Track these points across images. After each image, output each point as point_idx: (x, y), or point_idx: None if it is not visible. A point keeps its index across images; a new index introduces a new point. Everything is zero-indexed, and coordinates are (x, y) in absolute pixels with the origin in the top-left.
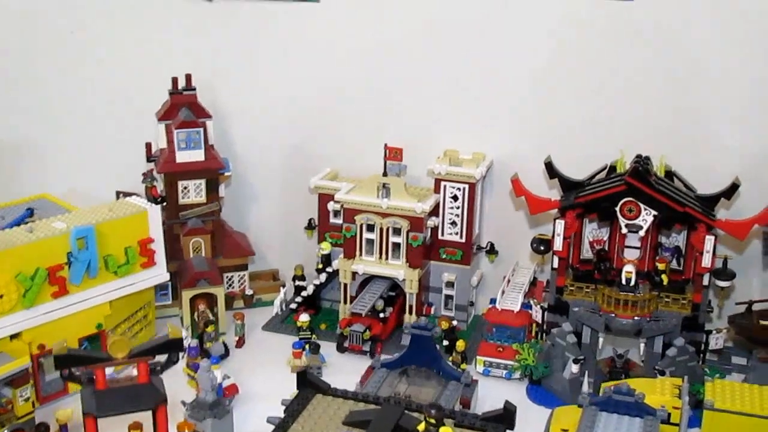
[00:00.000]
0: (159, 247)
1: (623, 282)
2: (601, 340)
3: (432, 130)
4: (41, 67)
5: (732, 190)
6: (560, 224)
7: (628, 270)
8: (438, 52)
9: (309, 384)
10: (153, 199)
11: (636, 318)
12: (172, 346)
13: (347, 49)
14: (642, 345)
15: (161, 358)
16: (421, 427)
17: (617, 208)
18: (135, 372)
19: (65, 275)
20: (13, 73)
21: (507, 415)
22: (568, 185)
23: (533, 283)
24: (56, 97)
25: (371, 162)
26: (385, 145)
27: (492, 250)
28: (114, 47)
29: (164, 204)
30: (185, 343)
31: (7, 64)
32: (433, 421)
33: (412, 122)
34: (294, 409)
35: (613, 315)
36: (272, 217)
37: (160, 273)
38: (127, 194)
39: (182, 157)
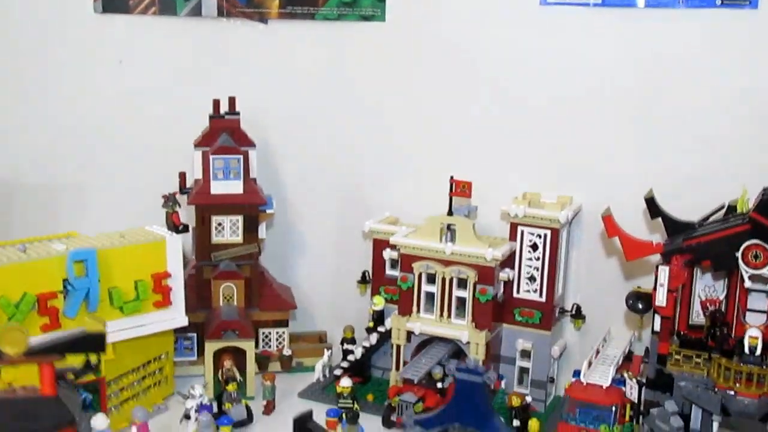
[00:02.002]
0: (177, 285)
1: (746, 351)
2: (715, 425)
3: (508, 174)
4: (87, 98)
5: None
6: (664, 271)
7: (753, 335)
8: (514, 84)
9: None
10: (174, 227)
11: (763, 397)
12: (90, 343)
13: (413, 78)
14: None
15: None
16: None
17: (738, 254)
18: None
19: (58, 306)
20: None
21: None
22: (675, 227)
23: (628, 357)
24: (96, 134)
25: (437, 210)
26: (451, 177)
27: (578, 315)
28: (156, 76)
29: (185, 232)
30: (195, 402)
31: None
32: None
33: (484, 164)
34: None
35: (731, 393)
36: (322, 271)
37: (176, 316)
38: (173, 196)
39: (218, 188)
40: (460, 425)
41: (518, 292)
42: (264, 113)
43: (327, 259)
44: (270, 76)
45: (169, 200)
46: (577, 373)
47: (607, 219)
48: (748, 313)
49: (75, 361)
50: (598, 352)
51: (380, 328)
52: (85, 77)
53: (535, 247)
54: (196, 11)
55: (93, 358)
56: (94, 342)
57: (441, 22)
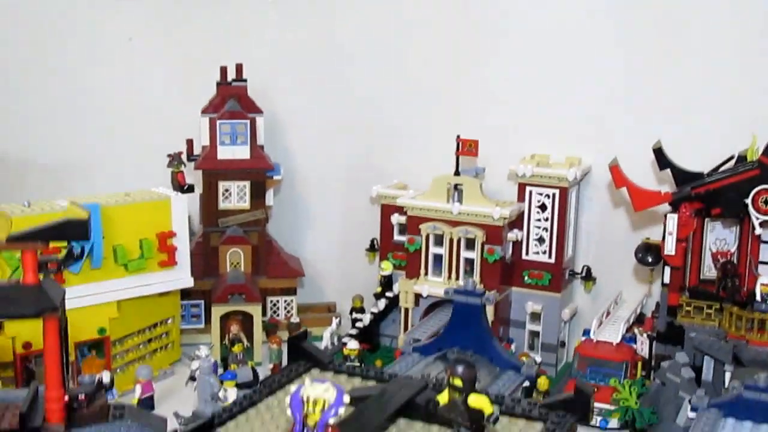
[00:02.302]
0: (183, 245)
1: (758, 299)
2: (728, 375)
3: (516, 134)
4: (95, 76)
5: None
6: (672, 219)
7: (765, 283)
8: (520, 44)
9: (303, 354)
10: (179, 186)
11: None
12: (73, 230)
13: (421, 43)
14: None
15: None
16: (444, 397)
17: (748, 200)
18: None
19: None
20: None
21: (579, 399)
22: (684, 177)
23: (639, 319)
24: (106, 110)
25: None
26: (458, 137)
27: (588, 276)
28: (166, 51)
29: (190, 192)
30: (199, 363)
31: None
32: (459, 383)
33: (492, 125)
34: (279, 381)
35: (744, 342)
36: (330, 241)
37: (182, 277)
38: (178, 156)
39: (225, 153)
40: (459, 349)
41: (527, 254)
42: (273, 83)
43: (335, 228)
44: (279, 46)
45: (174, 159)
46: (587, 332)
47: (614, 169)
48: (760, 266)
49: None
50: (608, 312)
51: (388, 294)
52: (95, 55)
53: (543, 207)
54: None
55: (76, 246)
56: (77, 229)
57: None
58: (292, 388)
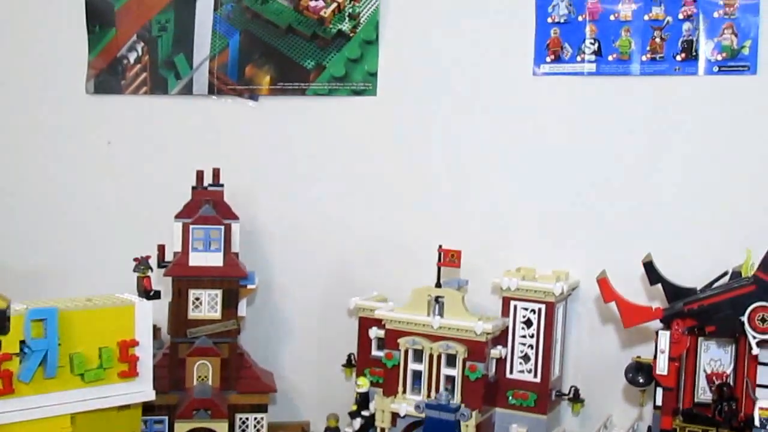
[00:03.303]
0: (146, 355)
1: (757, 425)
2: None
3: (499, 250)
4: (68, 182)
5: None
6: (664, 336)
7: (764, 407)
8: (507, 156)
9: None
10: (145, 292)
11: None
12: None
13: (403, 150)
14: None
15: None
16: None
17: (744, 318)
18: None
19: (13, 369)
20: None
21: None
22: (676, 293)
23: None
24: (81, 214)
25: None
26: (440, 246)
27: (576, 398)
28: (143, 155)
29: (156, 298)
30: None
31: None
32: None
33: (475, 240)
34: None
35: None
36: (305, 356)
37: (144, 389)
38: (145, 260)
39: (197, 259)
40: None
41: (511, 372)
42: (251, 190)
43: (311, 342)
44: (259, 152)
45: (141, 263)
46: None
47: (603, 282)
48: (758, 389)
49: None
50: None
51: (364, 412)
52: (75, 159)
53: (529, 323)
54: (188, 90)
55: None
56: None
57: (433, 97)
58: None
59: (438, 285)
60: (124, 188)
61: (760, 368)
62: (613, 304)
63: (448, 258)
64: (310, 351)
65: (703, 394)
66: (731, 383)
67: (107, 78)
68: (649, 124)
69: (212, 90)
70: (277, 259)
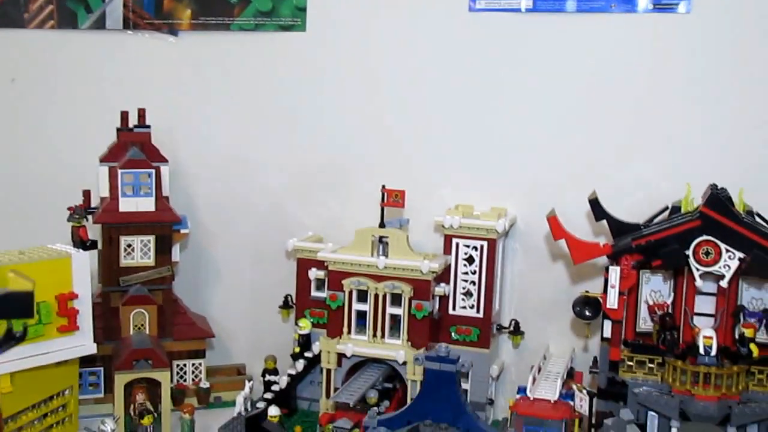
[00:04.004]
0: (85, 307)
1: (701, 352)
2: (674, 431)
3: (440, 186)
4: None
5: None
6: (614, 272)
7: (708, 335)
8: (441, 93)
9: None
10: (81, 242)
11: (722, 399)
12: (14, 306)
13: (336, 87)
14: None
15: None
16: None
17: (689, 252)
18: None
19: None
20: None
21: None
22: (620, 228)
23: (570, 374)
24: None
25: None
26: (383, 187)
27: (517, 331)
28: (63, 89)
29: (93, 248)
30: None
31: None
32: None
33: (414, 178)
34: None
35: (690, 396)
36: (239, 298)
37: (84, 343)
38: (80, 209)
39: (127, 205)
40: (432, 421)
41: (454, 308)
42: (174, 130)
43: (244, 285)
44: (181, 91)
45: (76, 213)
46: (522, 390)
47: (552, 220)
48: (695, 317)
49: None
50: (539, 369)
51: (307, 354)
52: None
53: (471, 260)
54: (100, 24)
55: (17, 325)
56: (19, 304)
57: (365, 33)
58: None
59: (382, 225)
60: (36, 130)
61: (698, 298)
62: (561, 242)
63: (392, 198)
64: (243, 294)
65: (644, 324)
66: (672, 312)
67: (7, 10)
68: (585, 61)
69: (127, 24)
70: (203, 201)
